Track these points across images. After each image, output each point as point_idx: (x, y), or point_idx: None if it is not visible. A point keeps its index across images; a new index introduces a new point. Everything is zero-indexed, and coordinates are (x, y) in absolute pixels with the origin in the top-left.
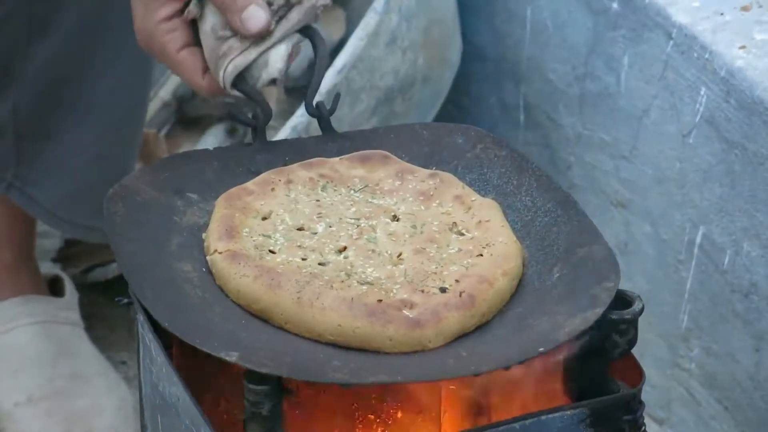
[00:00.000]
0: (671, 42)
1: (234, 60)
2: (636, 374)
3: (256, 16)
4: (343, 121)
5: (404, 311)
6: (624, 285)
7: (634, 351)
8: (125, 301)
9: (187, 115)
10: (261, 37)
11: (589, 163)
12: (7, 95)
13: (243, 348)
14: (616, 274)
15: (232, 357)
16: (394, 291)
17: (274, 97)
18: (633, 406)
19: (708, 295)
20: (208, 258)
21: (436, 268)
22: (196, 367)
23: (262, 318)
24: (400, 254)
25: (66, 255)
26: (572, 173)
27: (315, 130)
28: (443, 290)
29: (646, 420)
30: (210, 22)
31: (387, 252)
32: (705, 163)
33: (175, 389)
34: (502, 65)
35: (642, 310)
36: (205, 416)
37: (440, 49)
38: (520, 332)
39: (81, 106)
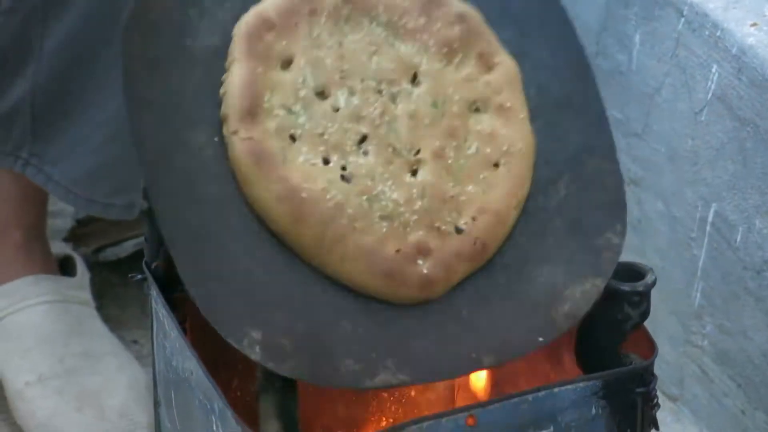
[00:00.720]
0: (683, 19)
1: None
2: (649, 347)
3: None
4: None
5: (419, 263)
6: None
7: (648, 327)
8: (138, 277)
9: None
10: None
11: None
12: (25, 72)
13: (262, 324)
14: (622, 224)
15: (254, 354)
16: (411, 225)
17: None
18: (646, 378)
19: (720, 272)
20: (225, 134)
21: (453, 186)
22: (211, 342)
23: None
24: (418, 152)
25: (77, 234)
26: None
27: None
28: (459, 231)
29: (660, 397)
30: None
31: (405, 150)
32: (717, 141)
33: (188, 364)
34: None
35: (654, 282)
36: (219, 390)
37: None
38: (520, 286)
39: (98, 83)
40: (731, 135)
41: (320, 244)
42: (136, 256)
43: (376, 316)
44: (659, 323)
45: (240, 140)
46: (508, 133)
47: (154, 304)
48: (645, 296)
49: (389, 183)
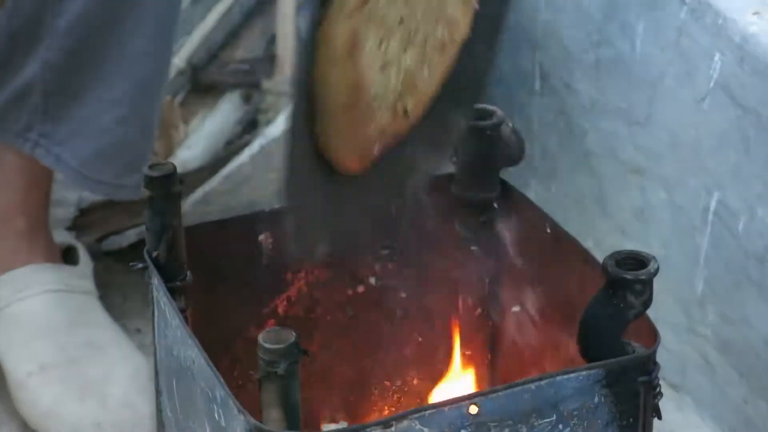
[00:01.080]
0: (685, 8)
1: None
2: (651, 335)
3: None
4: None
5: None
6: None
7: (650, 316)
8: (140, 266)
9: (201, 82)
10: None
11: (604, 129)
12: (37, 51)
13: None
14: None
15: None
16: (383, 108)
17: (289, 63)
18: (648, 367)
19: (723, 260)
20: None
21: (419, 71)
22: (213, 332)
23: None
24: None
25: (80, 223)
26: (588, 140)
27: None
28: (406, 114)
29: (662, 386)
30: None
31: (412, 33)
32: (719, 129)
33: (190, 352)
34: (518, 32)
35: (657, 270)
36: (220, 378)
37: None
38: None
39: (108, 65)
40: (734, 123)
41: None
42: (139, 245)
43: None
44: (662, 312)
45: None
46: (462, 21)
47: (155, 293)
48: (648, 285)
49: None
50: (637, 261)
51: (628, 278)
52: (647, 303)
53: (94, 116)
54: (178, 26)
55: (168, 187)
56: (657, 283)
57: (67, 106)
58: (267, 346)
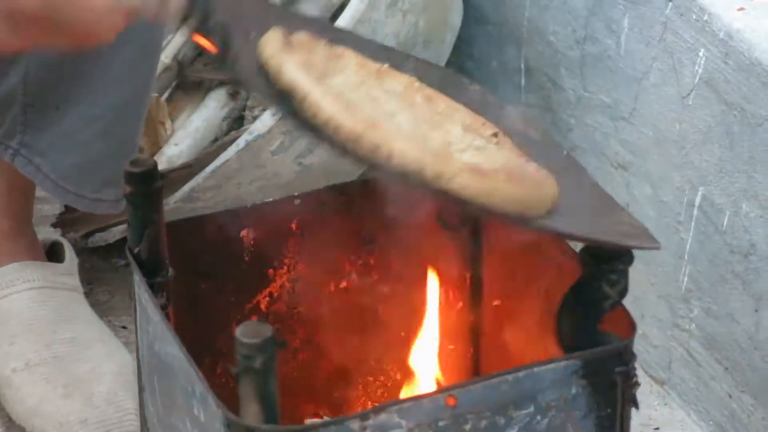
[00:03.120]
0: (670, 4)
1: None
2: (628, 325)
3: None
4: None
5: None
6: None
7: (635, 311)
8: (122, 262)
9: (188, 79)
10: None
11: (589, 125)
12: (19, 62)
13: None
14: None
15: None
16: None
17: None
18: (625, 357)
19: (707, 256)
20: None
21: None
22: (195, 329)
23: None
24: None
25: (66, 220)
26: (573, 135)
27: None
28: None
29: (647, 381)
30: None
31: None
32: (704, 125)
33: (170, 349)
34: (503, 28)
35: (632, 260)
36: (200, 374)
37: (441, 12)
38: None
39: (91, 78)
40: (718, 119)
41: None
42: (125, 242)
43: None
44: (647, 307)
45: None
46: None
47: (136, 289)
48: (623, 275)
49: None
50: (612, 251)
51: (604, 269)
52: (623, 293)
53: (74, 130)
54: (160, 53)
55: (149, 183)
56: (642, 278)
57: (47, 118)
58: (244, 340)
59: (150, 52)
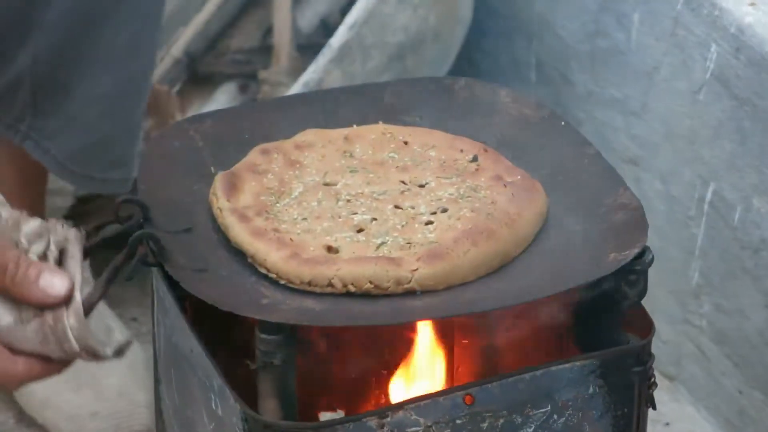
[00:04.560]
0: None
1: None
2: (646, 326)
3: (55, 282)
4: (355, 77)
5: None
6: None
7: (645, 306)
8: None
9: (198, 72)
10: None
11: (600, 120)
12: (27, 44)
13: None
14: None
15: None
16: None
17: (286, 53)
18: (643, 357)
19: (718, 251)
20: None
21: None
22: (212, 322)
23: None
24: None
25: (78, 212)
26: (583, 130)
27: (326, 86)
28: None
29: (657, 377)
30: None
31: None
32: (715, 120)
33: (188, 341)
34: (514, 22)
35: (652, 261)
36: (218, 367)
37: (451, 6)
38: None
39: (96, 58)
40: (729, 114)
41: None
42: None
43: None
44: (657, 303)
45: None
46: None
47: (154, 281)
48: (642, 275)
49: None
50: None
51: (623, 269)
52: (642, 293)
53: (80, 111)
54: (163, 28)
55: None
56: (652, 274)
57: (55, 101)
58: (264, 336)
59: (150, 29)
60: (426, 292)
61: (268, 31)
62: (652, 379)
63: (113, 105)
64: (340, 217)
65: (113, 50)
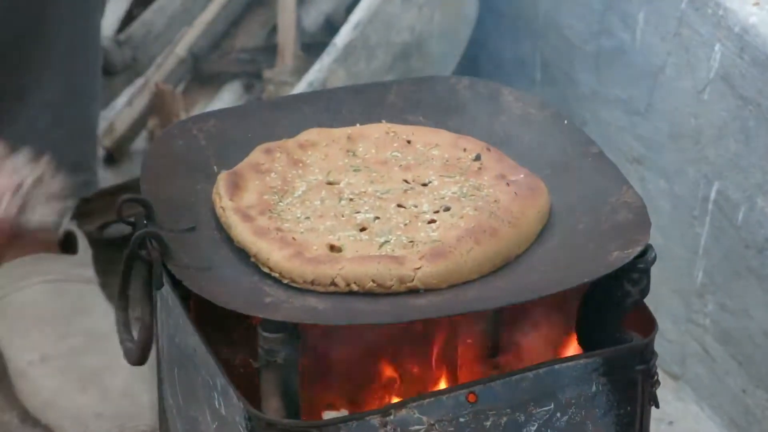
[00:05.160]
0: None
1: None
2: (649, 324)
3: None
4: (359, 76)
5: None
6: None
7: (649, 305)
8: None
9: (203, 72)
10: None
11: (604, 119)
12: None
13: None
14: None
15: None
16: None
17: (290, 52)
18: (646, 355)
19: (722, 250)
20: None
21: None
22: (215, 321)
23: None
24: None
25: (82, 212)
26: (588, 130)
27: (331, 85)
28: None
29: (662, 376)
30: None
31: None
32: (719, 120)
33: (191, 341)
34: (519, 22)
35: (654, 259)
36: (221, 367)
37: (457, 5)
38: None
39: (38, 66)
40: (734, 114)
41: None
42: None
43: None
44: (661, 302)
45: None
46: None
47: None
48: (645, 273)
49: None
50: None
51: (626, 267)
52: (644, 292)
53: (33, 118)
54: (101, 29)
55: None
56: (656, 274)
57: (10, 109)
58: (266, 335)
59: (86, 40)
60: (429, 290)
61: (273, 31)
62: (656, 378)
63: (60, 111)
64: (343, 216)
65: (53, 60)
